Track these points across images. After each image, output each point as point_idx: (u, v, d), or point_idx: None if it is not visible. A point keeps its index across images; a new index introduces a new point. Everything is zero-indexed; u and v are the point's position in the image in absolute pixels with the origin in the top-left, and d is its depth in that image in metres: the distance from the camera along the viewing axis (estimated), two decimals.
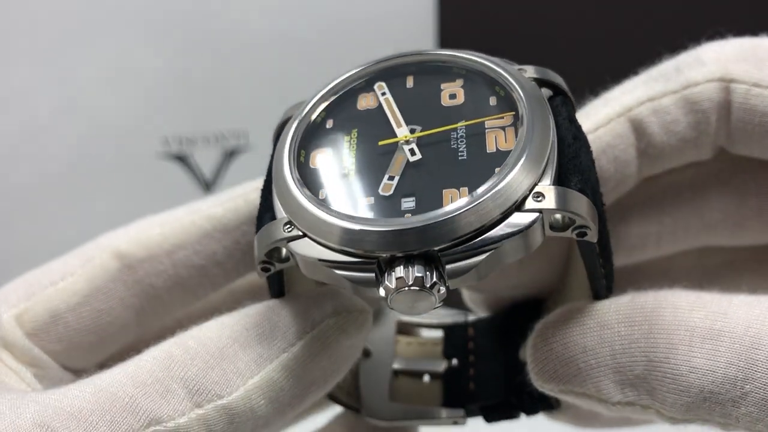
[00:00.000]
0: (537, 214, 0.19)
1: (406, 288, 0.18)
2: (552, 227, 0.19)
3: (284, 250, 0.20)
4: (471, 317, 0.29)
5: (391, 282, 0.18)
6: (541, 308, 0.27)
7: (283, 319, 0.20)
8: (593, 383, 0.20)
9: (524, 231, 0.18)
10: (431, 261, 0.18)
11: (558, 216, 0.19)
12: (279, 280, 0.22)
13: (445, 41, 0.70)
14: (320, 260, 0.19)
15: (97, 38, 0.55)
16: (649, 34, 0.57)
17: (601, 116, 0.24)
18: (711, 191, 0.25)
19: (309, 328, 0.20)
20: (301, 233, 0.19)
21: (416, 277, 0.18)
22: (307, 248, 0.19)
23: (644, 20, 0.58)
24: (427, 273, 0.18)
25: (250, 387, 0.19)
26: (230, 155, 0.62)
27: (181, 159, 0.60)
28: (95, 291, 0.24)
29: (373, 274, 0.18)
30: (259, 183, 0.24)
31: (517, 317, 0.26)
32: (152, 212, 0.58)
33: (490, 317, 0.28)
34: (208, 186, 0.61)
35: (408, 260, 0.18)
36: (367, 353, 0.28)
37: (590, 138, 0.23)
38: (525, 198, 0.19)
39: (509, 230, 0.18)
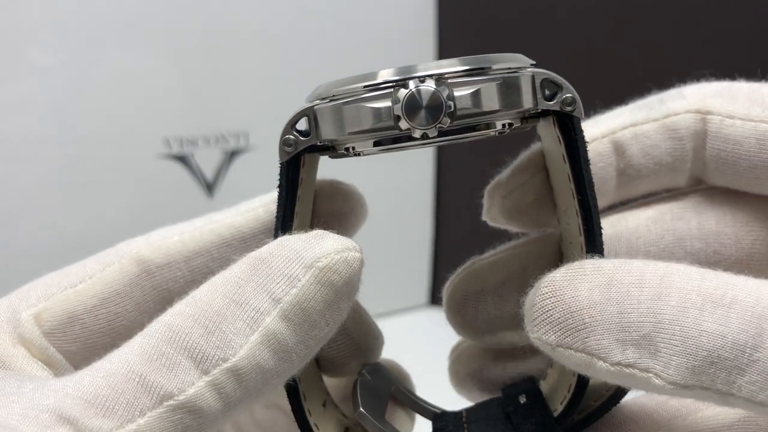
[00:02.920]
0: (530, 73, 0.21)
1: (417, 88, 0.20)
2: (544, 98, 0.21)
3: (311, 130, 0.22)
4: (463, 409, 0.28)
5: (407, 87, 0.20)
6: (538, 388, 0.26)
7: (275, 269, 0.20)
8: (596, 339, 0.20)
9: (519, 75, 0.21)
10: (440, 79, 0.20)
11: (548, 84, 0.21)
12: (295, 169, 0.23)
13: (445, 41, 0.70)
14: (344, 103, 0.21)
15: (97, 40, 0.55)
16: (647, 35, 0.57)
17: (587, 135, 0.26)
18: (692, 221, 0.27)
19: (301, 273, 0.20)
20: (328, 98, 0.21)
21: (428, 81, 0.20)
22: (332, 103, 0.21)
23: (643, 18, 0.58)
24: (435, 81, 0.20)
25: (253, 344, 0.19)
26: (231, 156, 0.62)
27: (182, 159, 0.60)
28: (113, 294, 0.25)
29: (389, 103, 0.20)
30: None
31: (512, 395, 0.26)
32: (154, 212, 0.59)
33: (484, 401, 0.28)
34: (209, 187, 0.62)
35: (421, 79, 0.20)
36: (366, 379, 0.27)
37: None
38: (522, 68, 0.22)
39: (506, 73, 0.21)
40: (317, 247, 0.20)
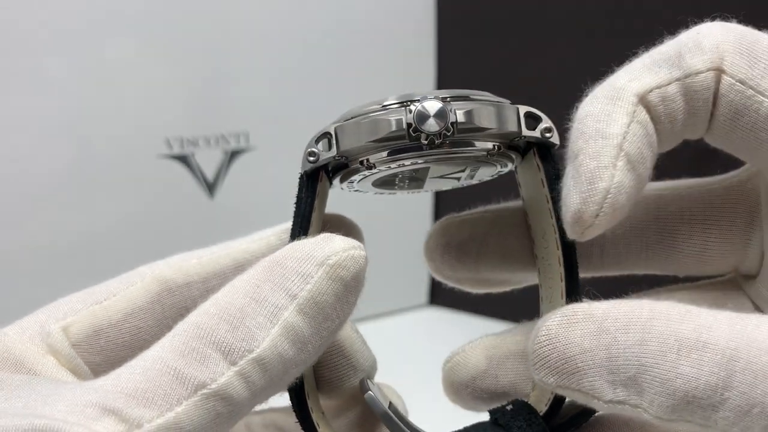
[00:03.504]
0: (515, 106, 0.25)
1: (423, 103, 0.24)
2: (527, 127, 0.25)
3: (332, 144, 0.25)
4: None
5: (416, 102, 0.24)
6: (523, 400, 0.27)
7: (289, 269, 0.22)
8: (589, 381, 0.22)
9: (505, 104, 0.25)
10: (442, 100, 0.24)
11: (529, 116, 0.25)
12: (315, 181, 0.26)
13: (445, 41, 0.71)
14: (363, 118, 0.24)
15: (98, 41, 0.56)
16: (646, 35, 0.57)
17: (623, 120, 0.25)
18: (650, 213, 0.29)
19: (314, 271, 0.22)
20: (349, 118, 0.25)
21: (434, 99, 0.24)
22: (352, 119, 0.25)
23: (642, 19, 0.58)
24: (440, 100, 0.24)
25: (274, 336, 0.21)
26: (231, 156, 0.62)
27: (183, 160, 0.60)
28: (137, 310, 0.27)
29: (402, 116, 0.24)
30: (289, 224, 0.27)
31: (498, 408, 0.27)
32: (155, 212, 0.59)
33: (472, 424, 0.29)
34: (210, 187, 0.62)
35: (427, 98, 0.24)
36: (370, 383, 0.28)
37: (625, 141, 0.24)
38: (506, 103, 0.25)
39: (496, 102, 0.25)
40: (327, 247, 0.22)
